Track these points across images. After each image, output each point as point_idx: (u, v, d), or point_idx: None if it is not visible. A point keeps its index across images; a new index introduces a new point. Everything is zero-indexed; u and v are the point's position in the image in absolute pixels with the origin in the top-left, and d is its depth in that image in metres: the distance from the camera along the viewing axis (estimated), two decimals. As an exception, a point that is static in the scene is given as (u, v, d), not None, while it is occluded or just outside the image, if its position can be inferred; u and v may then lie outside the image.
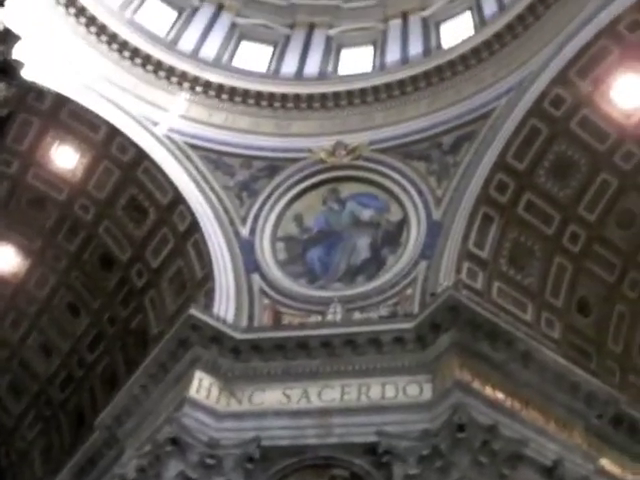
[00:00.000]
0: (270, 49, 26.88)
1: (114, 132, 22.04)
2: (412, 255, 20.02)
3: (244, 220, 21.79)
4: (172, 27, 26.12)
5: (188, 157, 22.62)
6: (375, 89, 24.05)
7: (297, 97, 24.37)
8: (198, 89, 24.23)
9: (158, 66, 24.08)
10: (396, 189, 21.77)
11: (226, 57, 25.94)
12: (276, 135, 23.74)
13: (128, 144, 22.06)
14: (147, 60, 23.98)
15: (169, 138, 22.81)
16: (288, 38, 27.17)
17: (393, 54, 25.42)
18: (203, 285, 20.62)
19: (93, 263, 23.99)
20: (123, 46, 23.74)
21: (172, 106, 23.73)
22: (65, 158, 22.73)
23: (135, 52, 23.85)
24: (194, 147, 22.95)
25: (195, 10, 27.10)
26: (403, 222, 21.17)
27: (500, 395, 17.06)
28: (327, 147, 22.99)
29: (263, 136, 23.68)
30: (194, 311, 18.62)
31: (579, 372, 18.49)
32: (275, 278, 20.44)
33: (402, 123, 23.09)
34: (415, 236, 20.48)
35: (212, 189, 22.16)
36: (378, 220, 21.61)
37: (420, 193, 21.28)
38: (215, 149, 23.15)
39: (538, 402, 17.63)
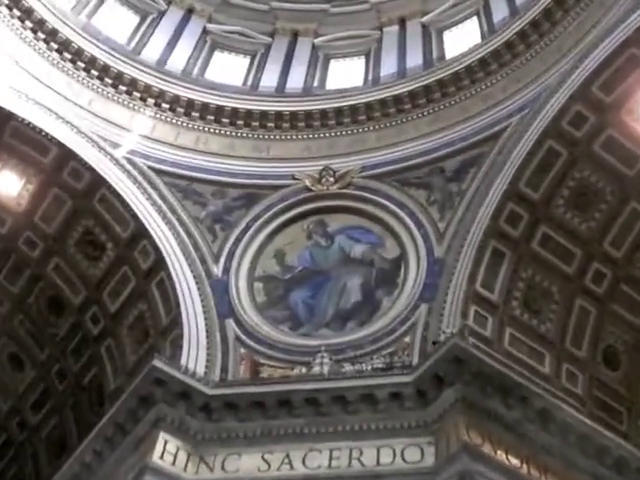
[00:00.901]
0: (247, 60, 27.20)
1: (66, 155, 21.96)
2: (411, 298, 20.02)
3: (217, 257, 21.79)
4: (134, 34, 26.38)
5: (152, 184, 22.65)
6: (368, 106, 24.27)
7: (278, 115, 24.56)
8: (164, 106, 24.39)
9: (118, 79, 24.19)
10: (392, 221, 21.88)
11: (197, 69, 26.20)
12: (254, 159, 23.90)
13: (82, 169, 21.97)
14: (105, 72, 24.07)
15: (130, 162, 22.81)
16: (268, 48, 27.54)
17: (389, 66, 25.72)
18: (169, 332, 20.52)
19: (40, 307, 23.82)
20: (77, 55, 23.81)
21: (134, 125, 23.83)
22: (8, 185, 22.57)
23: (91, 62, 23.93)
24: (159, 172, 23.00)
25: (161, 15, 27.43)
26: (400, 259, 21.24)
27: (515, 461, 16.87)
28: (313, 173, 23.13)
29: (239, 160, 23.82)
30: (158, 363, 18.40)
31: (607, 434, 18.35)
32: (253, 324, 20.37)
33: (399, 146, 23.27)
34: (414, 275, 20.50)
35: (180, 221, 22.16)
36: (371, 257, 21.67)
37: (419, 226, 21.37)
38: (184, 175, 23.21)
39: (559, 469, 17.44)
